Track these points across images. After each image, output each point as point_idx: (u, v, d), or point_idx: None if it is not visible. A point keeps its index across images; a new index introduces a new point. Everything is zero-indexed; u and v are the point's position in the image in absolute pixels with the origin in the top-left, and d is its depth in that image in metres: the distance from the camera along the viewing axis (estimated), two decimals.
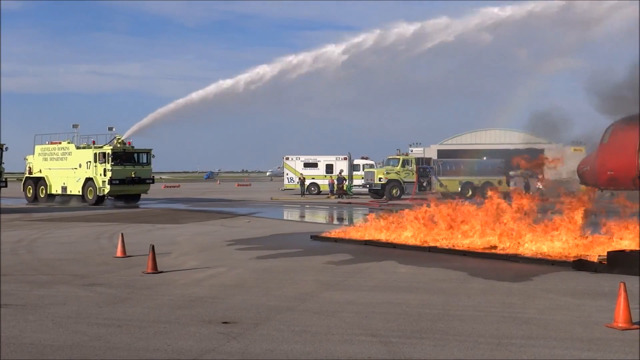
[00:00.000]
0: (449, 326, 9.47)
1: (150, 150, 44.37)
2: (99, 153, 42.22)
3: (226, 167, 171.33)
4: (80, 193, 43.14)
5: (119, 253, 16.84)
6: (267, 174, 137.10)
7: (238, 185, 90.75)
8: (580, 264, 14.39)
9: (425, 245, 18.39)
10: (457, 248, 17.67)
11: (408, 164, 51.56)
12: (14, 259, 16.66)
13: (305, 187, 57.87)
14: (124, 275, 14.04)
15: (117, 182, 41.81)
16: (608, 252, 14.36)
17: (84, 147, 44.15)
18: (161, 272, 14.18)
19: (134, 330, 9.23)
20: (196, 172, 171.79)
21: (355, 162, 61.44)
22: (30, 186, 46.50)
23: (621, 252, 14.33)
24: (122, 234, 17.75)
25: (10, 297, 11.47)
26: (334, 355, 8.00)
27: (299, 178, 58.25)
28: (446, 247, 17.96)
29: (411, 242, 18.98)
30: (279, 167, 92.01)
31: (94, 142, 44.12)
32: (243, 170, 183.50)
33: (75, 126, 45.49)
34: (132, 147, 43.71)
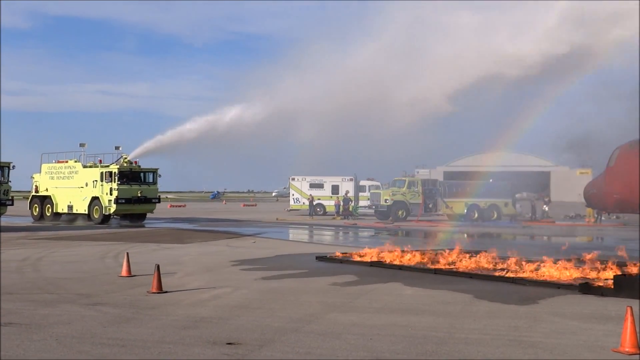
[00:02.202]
0: (454, 349, 9.42)
1: (157, 169, 44.57)
2: (106, 172, 42.40)
3: (232, 187, 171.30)
4: (87, 212, 43.28)
5: (124, 272, 16.82)
6: (273, 194, 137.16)
7: (244, 205, 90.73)
8: (587, 288, 14.31)
9: (431, 267, 18.34)
10: (462, 270, 17.63)
11: (414, 186, 51.52)
12: (20, 277, 16.66)
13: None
14: (129, 294, 14.02)
15: (123, 201, 41.96)
16: (614, 276, 14.30)
17: (90, 166, 44.38)
18: (166, 292, 14.16)
19: (139, 351, 9.20)
20: (202, 191, 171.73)
21: (362, 183, 61.44)
22: (36, 204, 46.67)
23: (627, 276, 14.27)
24: (127, 254, 17.76)
25: (15, 316, 11.46)
26: None
27: (308, 199, 58.26)
28: (452, 269, 17.92)
29: (416, 262, 18.92)
30: (285, 188, 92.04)
31: (100, 161, 44.32)
32: (249, 190, 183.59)
33: (82, 145, 45.74)
34: (139, 166, 43.90)
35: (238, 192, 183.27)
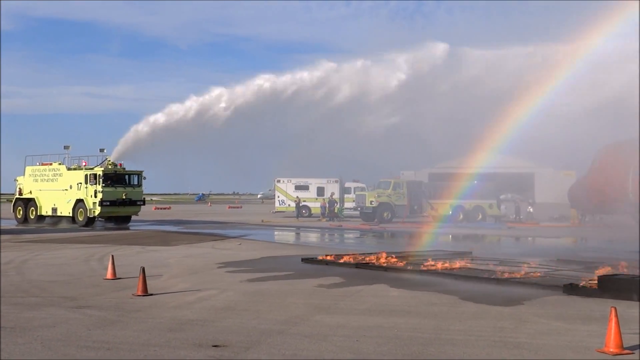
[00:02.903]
0: (440, 350, 9.45)
1: (142, 172, 44.35)
2: (90, 174, 42.18)
3: (217, 189, 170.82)
4: (71, 214, 42.99)
5: (109, 275, 16.75)
6: (258, 196, 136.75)
7: (229, 207, 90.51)
8: (571, 288, 14.40)
9: (417, 269, 18.38)
10: (447, 271, 17.70)
11: (399, 187, 51.60)
12: (4, 280, 16.52)
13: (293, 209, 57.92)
14: (114, 297, 13.96)
15: (108, 203, 41.71)
16: (599, 276, 14.39)
17: (74, 169, 44.11)
18: (151, 294, 14.11)
19: (124, 354, 9.17)
20: (187, 193, 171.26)
21: (347, 185, 61.42)
22: (20, 207, 46.41)
23: (612, 276, 14.36)
24: (112, 256, 17.70)
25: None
26: None
27: (295, 201, 58.22)
28: (437, 270, 17.98)
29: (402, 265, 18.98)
30: (270, 190, 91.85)
31: (85, 163, 44.09)
32: (234, 192, 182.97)
33: (66, 147, 45.29)
34: (124, 168, 43.73)
35: (223, 194, 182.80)
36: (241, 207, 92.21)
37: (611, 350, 9.12)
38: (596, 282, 14.26)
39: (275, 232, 39.89)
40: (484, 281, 16.31)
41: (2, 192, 56.62)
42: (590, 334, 10.43)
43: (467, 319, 11.78)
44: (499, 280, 16.11)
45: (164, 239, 31.52)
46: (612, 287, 13.76)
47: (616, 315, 9.20)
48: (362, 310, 12.58)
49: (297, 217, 56.21)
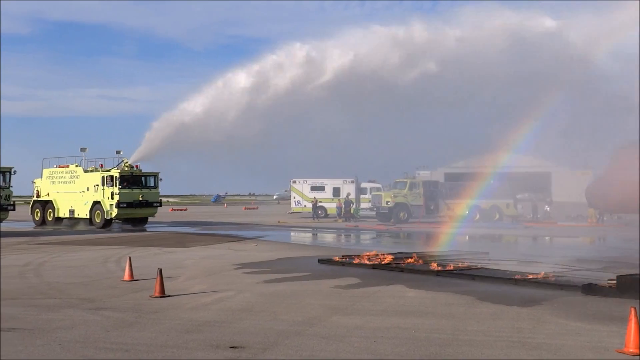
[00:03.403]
0: (458, 351, 9.41)
1: (158, 173, 44.45)
2: (107, 176, 42.35)
3: (233, 190, 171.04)
4: (88, 216, 43.19)
5: (126, 277, 16.81)
6: (274, 197, 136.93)
7: (245, 208, 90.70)
8: (590, 288, 14.29)
9: (434, 269, 18.33)
10: (465, 271, 17.63)
11: (415, 187, 51.48)
12: (22, 282, 16.66)
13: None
14: (132, 299, 14.01)
15: (125, 205, 41.85)
16: (617, 276, 14.27)
17: (91, 171, 44.31)
18: (169, 295, 14.14)
19: (142, 355, 9.19)
20: (203, 195, 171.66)
21: (363, 185, 61.34)
22: (38, 209, 46.62)
23: (631, 276, 14.24)
24: (129, 258, 17.76)
25: (18, 321, 11.45)
26: None
27: (312, 201, 58.16)
28: (454, 271, 17.92)
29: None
30: (286, 190, 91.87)
31: (101, 166, 44.30)
32: (250, 193, 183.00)
33: (83, 150, 45.60)
34: (140, 170, 43.83)
35: (239, 195, 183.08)
36: (257, 208, 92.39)
37: (631, 350, 9.03)
38: (615, 282, 14.15)
39: (292, 233, 39.91)
40: (501, 282, 16.24)
41: (20, 195, 56.84)
42: (609, 335, 10.35)
43: (484, 319, 11.72)
44: (516, 281, 16.03)
45: (181, 241, 31.61)
46: (631, 287, 13.64)
47: (636, 316, 9.12)
48: (379, 311, 12.54)
49: (314, 217, 56.16)
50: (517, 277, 16.45)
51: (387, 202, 50.89)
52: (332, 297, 14.24)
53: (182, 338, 10.20)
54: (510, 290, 15.18)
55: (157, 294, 14.14)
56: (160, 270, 14.58)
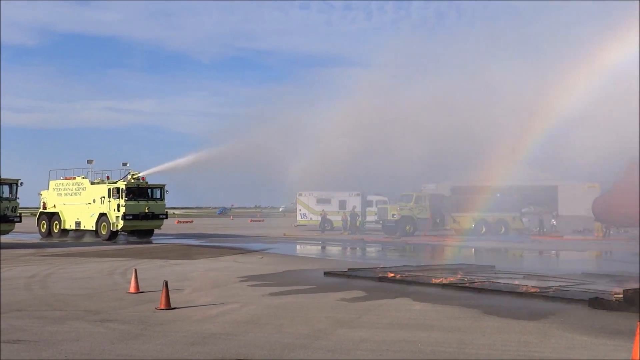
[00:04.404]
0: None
1: (164, 185, 44.61)
2: (113, 188, 42.47)
3: (239, 202, 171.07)
4: (94, 228, 43.27)
5: (132, 289, 16.83)
6: (280, 209, 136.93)
7: (251, 220, 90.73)
8: (596, 302, 14.24)
9: (440, 282, 18.31)
10: (470, 285, 17.60)
11: (421, 201, 51.44)
12: (28, 294, 16.69)
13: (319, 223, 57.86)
14: (137, 311, 14.02)
15: (131, 217, 41.92)
16: (624, 290, 14.23)
17: (98, 183, 44.47)
18: (174, 308, 14.15)
19: None
20: (209, 207, 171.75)
21: (369, 198, 61.31)
22: (44, 221, 46.75)
23: (637, 290, 14.19)
24: (135, 270, 17.79)
25: (24, 333, 11.47)
26: None
27: (320, 214, 58.16)
28: (460, 283, 17.89)
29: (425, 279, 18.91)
30: (292, 203, 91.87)
31: (108, 178, 44.44)
32: (256, 205, 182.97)
33: (89, 162, 45.76)
34: (146, 182, 44.00)
35: (245, 208, 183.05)
36: (263, 220, 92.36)
37: None
38: (622, 296, 14.10)
39: (297, 246, 39.88)
40: (507, 295, 16.20)
41: (27, 207, 57.06)
42: (616, 349, 10.31)
43: (490, 333, 11.69)
44: (522, 294, 15.99)
45: (186, 253, 31.63)
46: (637, 300, 13.59)
47: None
48: (384, 325, 12.52)
49: (322, 230, 56.13)
50: (523, 290, 16.42)
51: (393, 215, 50.85)
52: (338, 310, 14.23)
53: (187, 350, 10.19)
54: (517, 303, 15.12)
55: (162, 306, 14.14)
56: (166, 283, 14.58)
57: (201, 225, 72.31)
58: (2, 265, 23.90)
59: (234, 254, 31.31)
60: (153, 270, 22.63)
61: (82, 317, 13.28)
